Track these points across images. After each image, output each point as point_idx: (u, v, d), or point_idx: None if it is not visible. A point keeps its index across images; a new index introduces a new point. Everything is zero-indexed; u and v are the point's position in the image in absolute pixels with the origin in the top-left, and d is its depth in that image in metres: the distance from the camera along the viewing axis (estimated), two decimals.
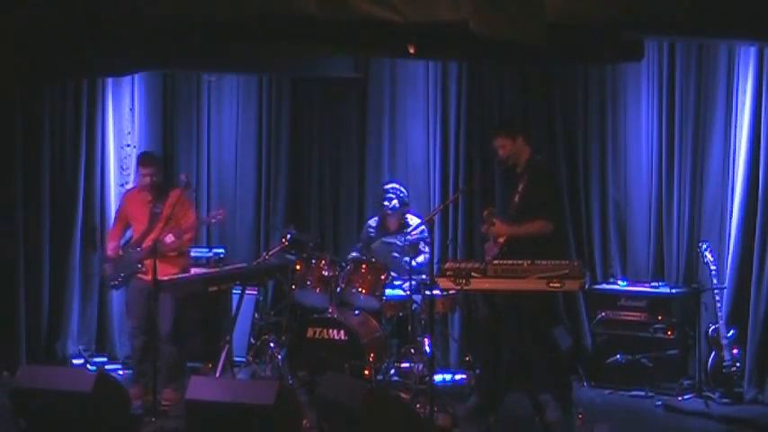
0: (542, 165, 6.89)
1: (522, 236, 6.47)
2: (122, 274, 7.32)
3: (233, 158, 9.29)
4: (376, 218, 8.38)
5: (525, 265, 6.06)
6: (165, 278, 7.07)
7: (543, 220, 6.49)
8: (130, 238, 7.54)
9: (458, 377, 7.99)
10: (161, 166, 7.52)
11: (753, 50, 7.39)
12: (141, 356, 7.25)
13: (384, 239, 8.17)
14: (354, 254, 8.18)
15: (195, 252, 8.21)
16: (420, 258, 7.93)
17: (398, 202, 8.12)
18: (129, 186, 8.92)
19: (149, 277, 6.93)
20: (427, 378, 6.75)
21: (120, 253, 7.37)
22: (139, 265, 7.18)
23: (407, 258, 7.76)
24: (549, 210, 6.60)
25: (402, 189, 8.19)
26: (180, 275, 7.21)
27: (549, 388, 6.61)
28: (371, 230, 8.35)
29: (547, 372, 6.64)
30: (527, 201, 6.56)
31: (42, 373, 6.19)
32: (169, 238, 7.16)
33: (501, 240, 6.57)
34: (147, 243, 7.16)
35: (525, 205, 6.55)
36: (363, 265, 7.73)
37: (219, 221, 7.99)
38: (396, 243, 8.05)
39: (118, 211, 7.78)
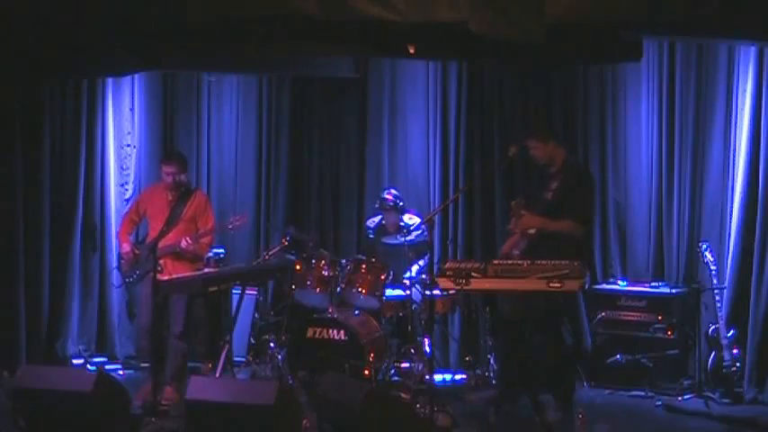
0: (582, 168, 6.94)
1: (552, 231, 6.48)
2: (138, 272, 7.31)
3: (233, 158, 9.27)
4: (374, 218, 8.38)
5: (525, 265, 6.07)
6: (166, 278, 7.08)
7: (575, 222, 6.52)
8: (145, 237, 7.52)
9: (458, 377, 7.98)
10: (184, 165, 7.40)
11: (753, 50, 7.39)
12: (151, 357, 7.11)
13: (384, 240, 8.17)
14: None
15: None
16: (421, 262, 7.94)
17: (395, 208, 8.10)
18: (129, 187, 8.96)
19: (165, 276, 6.98)
20: (427, 378, 6.76)
21: (137, 251, 7.35)
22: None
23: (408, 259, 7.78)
24: (584, 213, 6.65)
25: (397, 193, 8.17)
26: (179, 275, 7.19)
27: (550, 388, 6.61)
28: (370, 231, 8.37)
29: (554, 372, 6.65)
30: (560, 199, 6.59)
31: (42, 373, 6.17)
32: (185, 242, 7.15)
33: (532, 232, 6.58)
34: (165, 243, 7.08)
35: (558, 204, 6.58)
36: (363, 265, 7.73)
37: (241, 227, 7.72)
38: (397, 245, 8.03)
39: (131, 207, 7.74)
